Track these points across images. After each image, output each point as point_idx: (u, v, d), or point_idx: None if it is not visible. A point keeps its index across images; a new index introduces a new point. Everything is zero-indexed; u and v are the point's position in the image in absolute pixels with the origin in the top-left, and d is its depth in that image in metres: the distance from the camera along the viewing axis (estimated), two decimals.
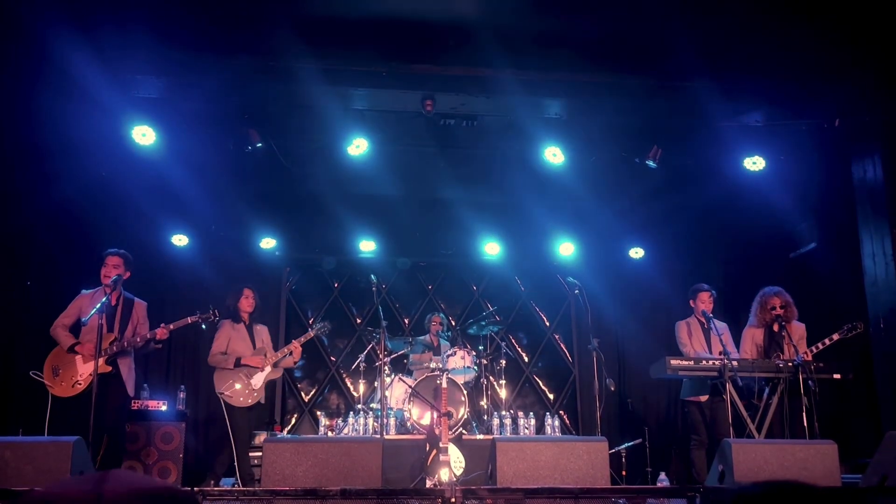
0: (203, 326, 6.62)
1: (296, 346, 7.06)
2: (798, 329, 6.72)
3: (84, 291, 6.22)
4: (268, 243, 9.51)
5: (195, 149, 7.46)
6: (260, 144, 7.08)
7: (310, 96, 6.77)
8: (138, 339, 6.07)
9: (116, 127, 6.89)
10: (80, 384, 5.86)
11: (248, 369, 6.80)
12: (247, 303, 7.08)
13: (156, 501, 0.87)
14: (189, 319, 6.37)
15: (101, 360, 5.80)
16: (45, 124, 6.76)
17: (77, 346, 5.96)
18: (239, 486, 6.46)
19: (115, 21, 5.87)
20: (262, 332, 7.16)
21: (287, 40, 6.07)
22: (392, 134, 7.59)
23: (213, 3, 6.04)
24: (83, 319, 5.98)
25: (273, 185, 8.51)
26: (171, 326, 6.21)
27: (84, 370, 5.89)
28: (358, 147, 7.34)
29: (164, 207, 8.40)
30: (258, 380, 6.82)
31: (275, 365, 6.98)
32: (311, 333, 7.32)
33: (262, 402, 6.94)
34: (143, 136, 6.97)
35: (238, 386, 6.76)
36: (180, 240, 9.04)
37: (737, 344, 6.99)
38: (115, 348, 5.96)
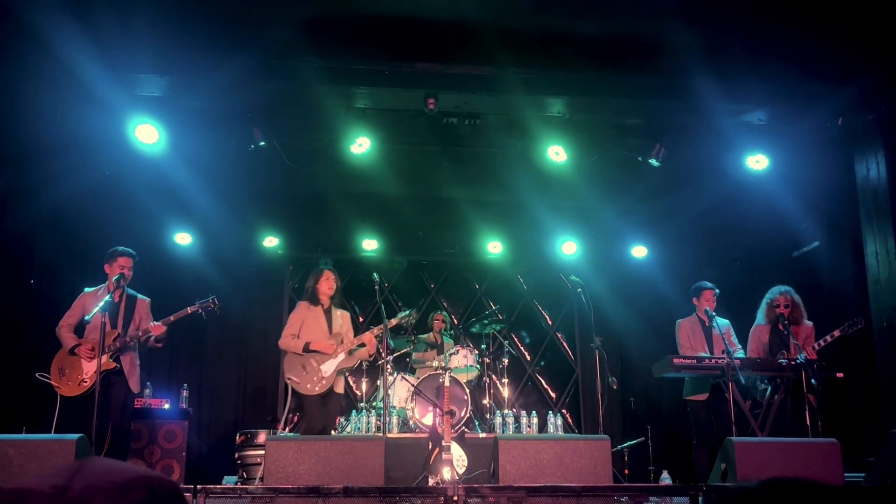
0: (204, 317, 6.53)
1: (369, 337, 6.66)
2: (805, 329, 6.71)
3: (87, 289, 6.25)
4: (271, 242, 9.52)
5: (198, 147, 7.47)
6: (263, 143, 7.08)
7: (312, 95, 6.78)
8: (140, 333, 6.09)
9: (119, 125, 6.90)
10: (86, 382, 5.91)
11: (318, 355, 6.44)
12: (327, 285, 6.67)
13: (130, 495, 0.82)
14: (189, 310, 6.27)
15: (105, 357, 5.85)
16: (48, 123, 6.77)
17: (77, 349, 5.98)
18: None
19: (117, 19, 5.87)
20: (342, 317, 6.72)
21: (290, 39, 6.07)
22: (394, 132, 7.59)
23: (216, 2, 6.05)
24: (86, 318, 6.02)
25: (276, 183, 8.52)
26: (171, 319, 6.18)
27: (89, 368, 5.92)
28: (360, 146, 7.34)
29: (167, 206, 8.41)
30: (329, 367, 6.43)
31: (350, 352, 6.55)
32: (394, 322, 6.83)
33: (340, 391, 6.59)
34: (146, 134, 6.97)
35: (306, 371, 6.41)
36: (183, 238, 9.05)
37: (744, 342, 6.99)
38: (117, 344, 5.99)
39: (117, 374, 6.01)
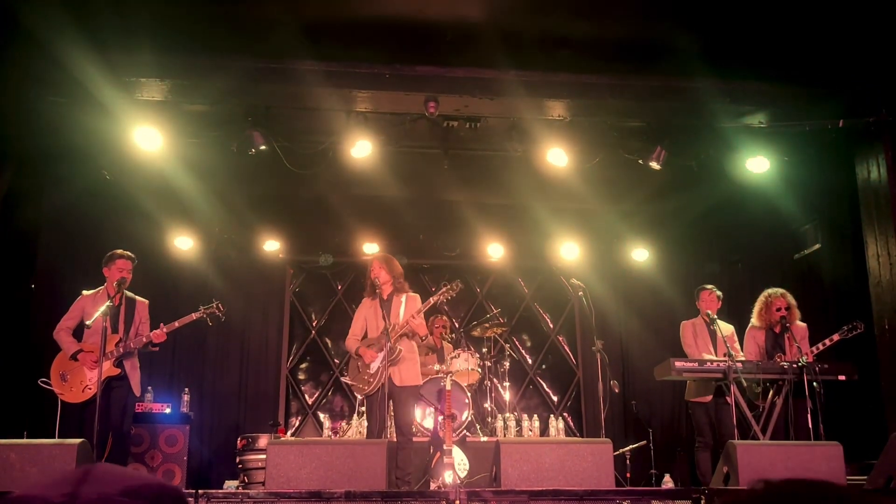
0: (209, 322, 6.49)
1: (406, 322, 6.23)
2: (800, 329, 6.72)
3: (85, 292, 6.23)
4: (271, 245, 9.52)
5: (199, 151, 7.47)
6: (263, 147, 7.08)
7: (313, 98, 6.77)
8: (144, 339, 6.08)
9: (120, 130, 6.90)
10: (90, 388, 5.87)
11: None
12: (373, 274, 6.36)
13: (138, 502, 0.82)
14: (193, 315, 6.25)
15: (109, 363, 5.86)
16: (49, 127, 6.78)
17: (80, 355, 5.95)
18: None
19: (118, 24, 5.87)
20: (400, 305, 6.32)
21: (290, 42, 6.07)
22: (395, 136, 7.58)
23: (216, 5, 6.05)
24: (87, 322, 5.99)
25: (276, 187, 8.52)
26: (175, 325, 6.17)
27: (93, 374, 5.88)
28: (361, 149, 7.33)
29: (168, 210, 8.41)
30: (375, 364, 6.18)
31: (405, 336, 6.26)
32: (433, 300, 6.48)
33: (405, 383, 6.13)
34: (147, 138, 6.97)
35: (359, 372, 6.24)
36: (184, 242, 9.06)
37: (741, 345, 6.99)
38: (121, 349, 5.97)
39: (119, 378, 6.00)
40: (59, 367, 6.00)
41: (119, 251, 6.20)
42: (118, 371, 5.96)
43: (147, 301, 6.38)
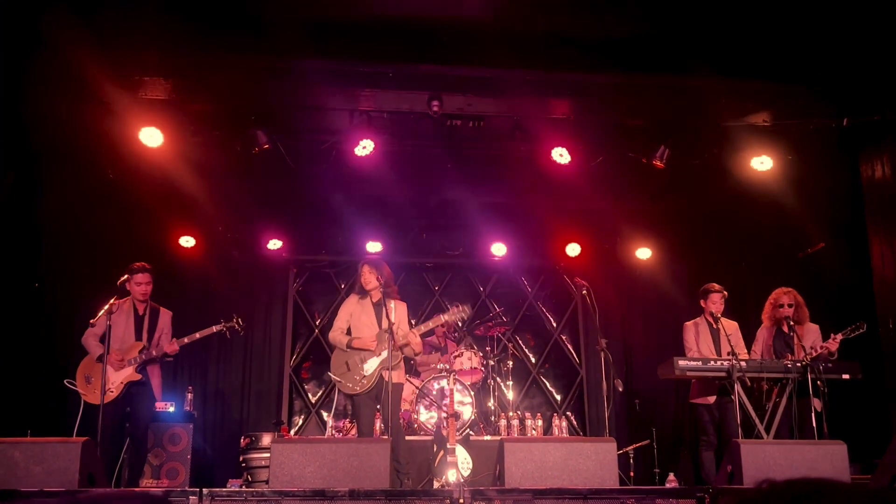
0: (228, 336, 6.63)
1: (413, 335, 6.23)
2: (811, 331, 6.66)
3: (113, 301, 6.38)
4: (275, 244, 9.52)
5: (202, 150, 7.47)
6: (267, 146, 7.08)
7: (316, 97, 6.78)
8: (155, 352, 6.24)
9: (124, 128, 6.90)
10: (111, 391, 6.05)
11: (363, 352, 6.15)
12: (362, 279, 6.30)
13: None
14: (214, 328, 6.47)
15: (131, 369, 6.13)
16: (53, 126, 6.78)
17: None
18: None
19: (123, 23, 5.88)
20: (394, 310, 6.24)
21: (294, 41, 6.07)
22: (398, 134, 7.58)
23: (221, 4, 6.06)
24: (91, 321, 6.15)
25: (280, 186, 8.52)
26: (186, 341, 6.37)
27: (116, 378, 6.08)
28: (364, 148, 7.33)
29: (172, 209, 8.41)
30: (371, 365, 6.11)
31: (401, 348, 6.19)
32: (442, 319, 6.48)
33: (397, 380, 6.16)
34: (151, 137, 6.97)
35: (349, 369, 6.13)
36: (188, 241, 9.06)
37: (749, 344, 6.96)
38: (143, 356, 6.20)
39: (140, 384, 6.20)
40: (84, 370, 6.21)
41: (136, 266, 6.36)
42: (139, 377, 6.17)
43: (171, 312, 6.56)
